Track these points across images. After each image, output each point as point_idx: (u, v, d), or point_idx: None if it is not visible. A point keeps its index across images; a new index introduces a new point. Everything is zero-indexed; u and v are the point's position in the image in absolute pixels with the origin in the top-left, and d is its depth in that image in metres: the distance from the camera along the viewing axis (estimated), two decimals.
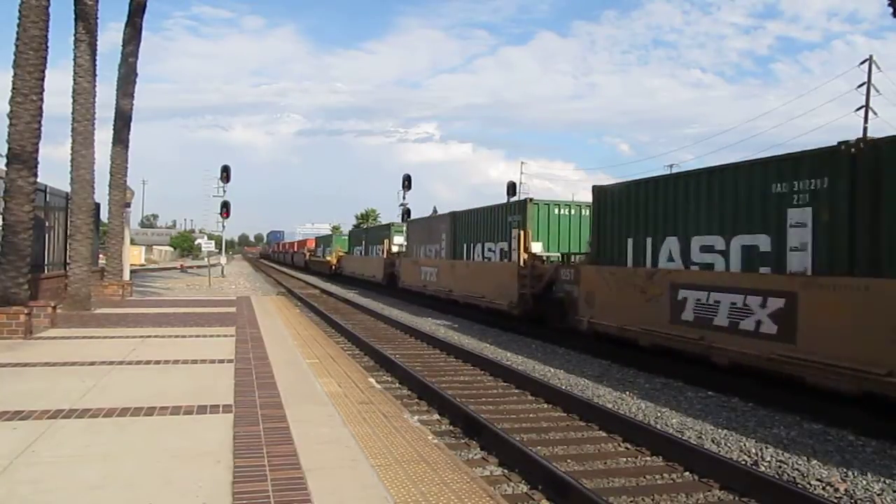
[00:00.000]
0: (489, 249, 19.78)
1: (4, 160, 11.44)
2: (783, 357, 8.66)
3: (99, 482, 4.05)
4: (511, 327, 17.04)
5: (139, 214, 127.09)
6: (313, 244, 60.90)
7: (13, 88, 10.64)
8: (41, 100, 10.86)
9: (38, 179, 11.31)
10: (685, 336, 10.47)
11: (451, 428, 7.87)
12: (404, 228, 32.08)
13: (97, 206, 18.21)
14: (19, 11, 10.64)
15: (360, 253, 39.28)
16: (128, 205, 19.85)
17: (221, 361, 8.37)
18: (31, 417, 5.48)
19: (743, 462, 6.71)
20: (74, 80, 14.43)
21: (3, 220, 10.97)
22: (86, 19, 14.27)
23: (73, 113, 14.49)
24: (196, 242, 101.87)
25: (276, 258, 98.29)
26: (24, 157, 10.65)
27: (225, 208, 37.14)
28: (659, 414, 8.60)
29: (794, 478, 6.38)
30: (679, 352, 10.81)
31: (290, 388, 6.85)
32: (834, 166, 8.55)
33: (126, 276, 20.33)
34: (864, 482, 6.21)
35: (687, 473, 6.42)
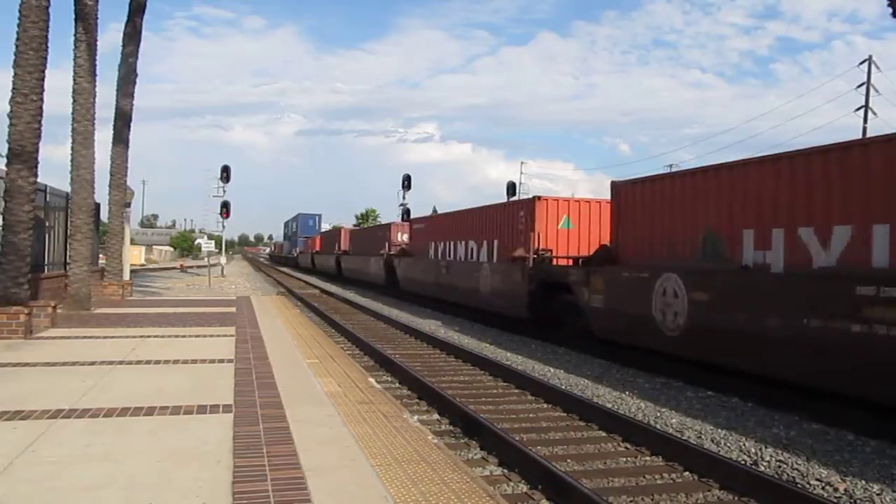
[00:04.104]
0: None
1: (4, 160, 11.44)
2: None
3: (99, 482, 4.06)
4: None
5: (139, 214, 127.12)
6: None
7: (13, 88, 10.64)
8: (41, 100, 10.85)
9: (38, 179, 11.32)
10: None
11: (451, 428, 7.88)
12: None
13: (97, 206, 18.21)
14: (19, 11, 10.64)
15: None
16: (128, 205, 19.84)
17: (221, 361, 8.38)
18: (31, 417, 5.48)
19: (743, 462, 6.72)
20: (74, 80, 14.43)
21: (3, 220, 10.97)
22: (86, 19, 14.26)
23: (73, 113, 14.48)
24: (196, 242, 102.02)
25: (302, 263, 59.86)
26: (24, 156, 10.65)
27: (225, 208, 37.06)
28: (659, 414, 8.60)
29: (793, 478, 6.38)
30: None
31: (290, 388, 6.86)
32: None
33: (126, 276, 20.31)
34: (864, 482, 6.21)
35: (687, 473, 6.43)
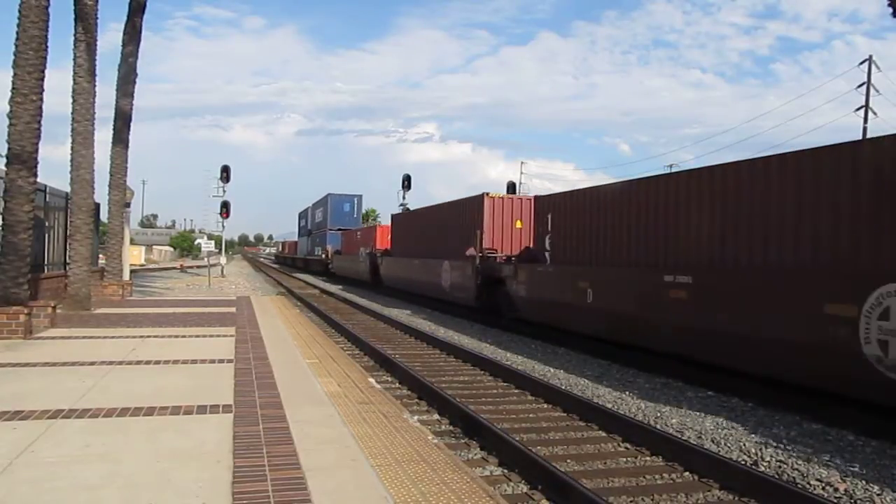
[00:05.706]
0: None
1: (4, 160, 11.44)
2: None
3: (99, 482, 4.05)
4: None
5: (139, 214, 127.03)
6: None
7: (13, 88, 10.63)
8: (41, 100, 10.85)
9: (38, 179, 11.31)
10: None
11: (451, 428, 7.87)
12: None
13: (97, 206, 18.21)
14: (19, 11, 10.63)
15: None
16: (128, 205, 19.84)
17: (221, 361, 8.37)
18: (31, 417, 5.48)
19: (743, 462, 6.71)
20: (74, 80, 14.42)
21: (3, 220, 10.96)
22: (85, 19, 14.26)
23: (73, 113, 14.48)
24: (196, 242, 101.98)
25: (341, 271, 40.16)
26: (24, 157, 10.64)
27: (225, 208, 37.07)
28: (659, 414, 8.60)
29: (793, 478, 6.38)
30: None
31: (290, 388, 6.85)
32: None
33: (126, 276, 20.31)
34: (864, 482, 6.21)
35: (687, 473, 6.42)
